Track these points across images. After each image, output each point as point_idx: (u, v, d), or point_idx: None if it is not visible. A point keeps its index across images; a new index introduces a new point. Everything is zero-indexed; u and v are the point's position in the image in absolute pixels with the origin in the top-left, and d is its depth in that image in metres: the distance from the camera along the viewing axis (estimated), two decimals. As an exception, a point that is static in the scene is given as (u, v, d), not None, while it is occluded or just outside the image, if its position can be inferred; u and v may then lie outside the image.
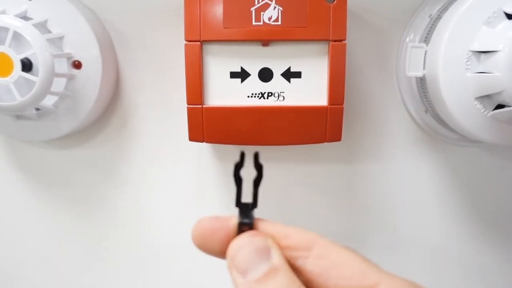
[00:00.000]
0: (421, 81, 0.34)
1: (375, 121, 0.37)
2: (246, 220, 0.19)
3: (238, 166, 0.19)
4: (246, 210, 0.19)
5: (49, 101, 0.33)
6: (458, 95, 0.30)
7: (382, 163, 0.37)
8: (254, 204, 0.19)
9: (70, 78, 0.33)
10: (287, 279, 0.18)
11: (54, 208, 0.39)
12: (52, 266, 0.40)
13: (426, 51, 0.32)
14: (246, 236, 0.19)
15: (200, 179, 0.38)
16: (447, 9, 0.33)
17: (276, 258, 0.18)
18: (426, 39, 0.34)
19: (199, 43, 0.29)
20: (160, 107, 0.36)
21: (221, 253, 0.19)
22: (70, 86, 0.33)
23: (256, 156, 0.19)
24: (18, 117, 0.34)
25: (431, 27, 0.34)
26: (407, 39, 0.36)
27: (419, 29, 0.35)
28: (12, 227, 0.40)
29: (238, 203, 0.20)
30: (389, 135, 0.37)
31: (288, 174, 0.37)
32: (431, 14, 0.34)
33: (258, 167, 0.19)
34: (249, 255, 0.18)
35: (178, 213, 0.39)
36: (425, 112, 0.36)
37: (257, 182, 0.19)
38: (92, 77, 0.33)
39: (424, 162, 0.38)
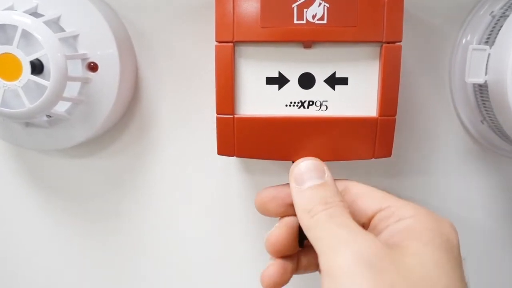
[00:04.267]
0: (481, 88, 0.30)
1: (424, 131, 0.33)
2: None
3: None
4: None
5: (61, 107, 0.30)
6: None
7: (432, 178, 0.33)
8: None
9: (85, 81, 0.30)
10: (333, 192, 0.23)
11: (66, 221, 0.36)
12: (63, 276, 0.38)
13: (489, 54, 0.28)
14: (308, 159, 0.25)
15: (226, 195, 0.34)
16: (515, 6, 0.29)
17: (328, 177, 0.24)
18: (488, 40, 0.30)
19: (231, 44, 0.26)
20: (184, 115, 0.33)
21: (279, 214, 0.27)
22: (85, 91, 0.30)
23: None
24: (27, 124, 0.31)
25: (493, 27, 0.30)
26: (463, 41, 0.31)
27: (478, 29, 0.31)
28: (22, 238, 0.37)
29: None
30: (440, 147, 0.33)
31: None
32: (492, 12, 0.30)
33: None
34: (309, 170, 0.24)
35: (198, 229, 0.35)
36: (481, 122, 0.32)
37: None
38: (109, 80, 0.30)
39: (477, 177, 0.34)
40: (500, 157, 0.33)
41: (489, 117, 0.30)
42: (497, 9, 0.30)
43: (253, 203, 0.34)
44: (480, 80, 0.28)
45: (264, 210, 0.27)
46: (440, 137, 0.33)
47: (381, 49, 0.26)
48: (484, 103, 0.30)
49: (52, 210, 0.36)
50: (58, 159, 0.35)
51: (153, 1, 0.31)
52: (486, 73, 0.28)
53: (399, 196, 0.34)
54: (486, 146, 0.33)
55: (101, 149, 0.34)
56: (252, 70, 0.26)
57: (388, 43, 0.25)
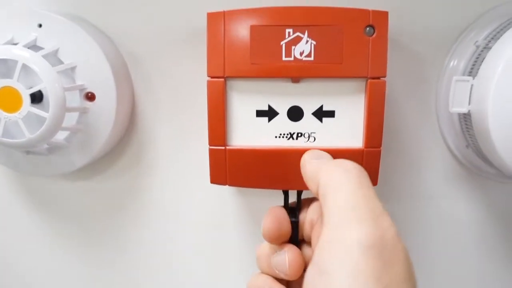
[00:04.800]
0: (465, 116, 0.31)
1: (412, 155, 0.34)
2: (293, 219, 0.27)
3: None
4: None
5: (60, 135, 0.31)
6: (509, 137, 0.27)
7: (420, 200, 0.35)
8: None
9: (83, 111, 0.31)
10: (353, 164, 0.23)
11: (65, 242, 0.37)
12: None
13: (472, 85, 0.29)
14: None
15: (221, 215, 0.35)
16: (496, 38, 0.29)
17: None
18: (472, 71, 0.31)
19: (222, 79, 0.27)
20: (180, 140, 0.34)
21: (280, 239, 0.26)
22: (83, 120, 0.31)
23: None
24: (28, 151, 0.32)
25: (477, 57, 0.31)
26: (449, 69, 0.32)
27: (463, 58, 0.32)
28: (22, 258, 0.38)
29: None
30: (427, 171, 0.34)
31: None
32: (476, 41, 0.31)
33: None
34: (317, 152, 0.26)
35: (194, 250, 0.36)
36: (466, 147, 0.33)
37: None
38: (106, 109, 0.31)
39: (464, 199, 0.35)
40: (485, 180, 0.34)
41: (473, 143, 0.31)
42: (481, 39, 0.31)
43: (246, 223, 0.35)
44: (464, 110, 0.29)
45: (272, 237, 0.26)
46: (427, 161, 0.34)
47: (366, 84, 0.27)
48: (468, 130, 0.31)
49: (51, 231, 0.37)
50: (57, 182, 0.36)
51: (149, 30, 0.32)
52: (469, 103, 0.29)
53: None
54: (472, 170, 0.34)
55: (98, 173, 0.35)
56: (243, 103, 0.27)
57: (373, 78, 0.26)
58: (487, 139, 0.28)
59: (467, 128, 0.31)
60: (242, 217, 0.35)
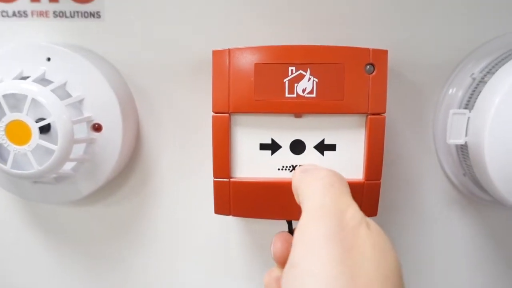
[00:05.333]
0: (462, 147, 0.32)
1: (411, 181, 0.35)
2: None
3: None
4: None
5: (67, 166, 0.31)
6: (504, 169, 0.28)
7: (419, 225, 0.35)
8: None
9: (90, 142, 0.31)
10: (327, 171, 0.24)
11: (71, 266, 0.38)
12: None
13: (469, 118, 0.30)
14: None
15: (224, 244, 0.36)
16: (492, 72, 0.30)
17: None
18: (469, 103, 0.32)
19: (227, 115, 0.27)
20: (183, 167, 0.35)
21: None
22: (90, 150, 0.32)
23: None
24: (36, 181, 0.33)
25: (473, 90, 0.31)
26: (446, 97, 0.33)
27: (460, 88, 0.33)
28: (31, 284, 0.39)
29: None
30: (426, 197, 0.35)
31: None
32: (473, 74, 0.32)
33: None
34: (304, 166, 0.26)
35: (197, 277, 0.37)
36: (463, 175, 0.34)
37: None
38: (112, 139, 0.32)
39: (461, 225, 0.36)
40: (481, 205, 0.35)
41: (470, 172, 0.32)
42: (477, 72, 0.32)
43: (250, 247, 0.36)
44: (461, 141, 0.30)
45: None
46: (426, 188, 0.35)
47: (366, 119, 0.28)
48: (465, 160, 0.32)
49: (57, 256, 0.38)
50: (62, 208, 0.36)
51: (154, 60, 0.33)
52: (466, 135, 0.30)
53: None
54: (468, 196, 0.35)
55: (103, 199, 0.36)
56: (247, 137, 0.28)
57: (373, 114, 0.27)
58: (483, 169, 0.29)
59: (464, 158, 0.32)
60: (246, 245, 0.36)
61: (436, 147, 0.34)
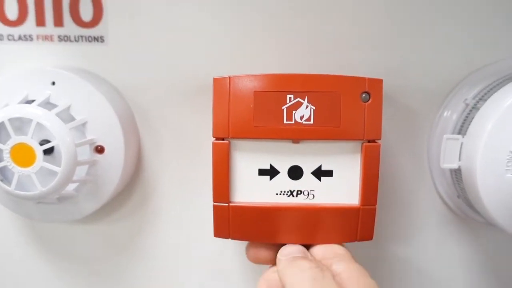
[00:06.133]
0: (455, 171, 0.33)
1: (406, 203, 0.35)
2: None
3: None
4: None
5: (70, 187, 0.32)
6: (496, 194, 0.29)
7: (414, 246, 0.36)
8: None
9: (93, 164, 0.32)
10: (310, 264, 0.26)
11: (73, 283, 0.38)
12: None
13: (462, 143, 0.31)
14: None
15: (224, 263, 0.37)
16: (484, 99, 0.31)
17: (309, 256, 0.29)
18: (462, 128, 0.32)
19: (227, 141, 0.28)
20: (184, 186, 0.35)
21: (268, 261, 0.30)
22: (92, 171, 0.32)
23: None
24: (39, 202, 0.33)
25: (467, 116, 0.32)
26: (440, 121, 0.34)
27: (455, 112, 0.33)
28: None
29: None
30: (421, 218, 0.36)
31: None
32: (466, 99, 0.33)
33: None
34: (297, 249, 0.29)
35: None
36: (458, 197, 0.35)
37: None
38: (114, 161, 0.33)
39: (456, 245, 0.36)
40: (476, 227, 0.36)
41: (463, 194, 0.33)
42: (470, 97, 0.33)
43: (251, 268, 0.37)
44: (454, 166, 0.31)
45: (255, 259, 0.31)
46: (421, 210, 0.36)
47: (362, 147, 0.28)
48: (458, 183, 0.33)
49: (59, 272, 0.38)
50: (65, 225, 0.37)
51: (156, 84, 0.34)
52: (459, 159, 0.31)
53: (382, 267, 0.37)
54: (463, 217, 0.36)
55: (105, 217, 0.37)
56: (246, 162, 0.29)
57: (369, 141, 0.28)
58: (476, 194, 0.29)
59: (457, 181, 0.33)
60: (246, 263, 0.37)
61: (430, 169, 0.35)
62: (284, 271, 0.27)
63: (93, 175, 0.33)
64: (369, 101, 0.28)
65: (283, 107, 0.28)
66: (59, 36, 0.33)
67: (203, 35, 0.33)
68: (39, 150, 0.30)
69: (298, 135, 0.28)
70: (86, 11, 0.33)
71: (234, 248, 0.36)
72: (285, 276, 0.26)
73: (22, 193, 0.30)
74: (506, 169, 0.28)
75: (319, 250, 0.29)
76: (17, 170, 0.30)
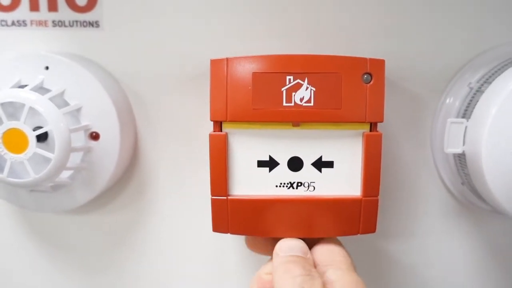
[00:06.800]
0: (459, 156, 0.32)
1: (409, 192, 0.35)
2: None
3: None
4: None
5: (64, 174, 0.31)
6: (502, 178, 0.28)
7: (419, 236, 0.35)
8: None
9: (87, 150, 0.31)
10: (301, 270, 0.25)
11: (67, 273, 0.37)
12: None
13: (466, 127, 0.30)
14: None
15: (221, 255, 0.36)
16: (489, 82, 0.30)
17: (310, 256, 0.28)
18: (466, 112, 0.32)
19: (225, 133, 0.27)
20: (181, 177, 0.35)
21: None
22: (87, 158, 0.32)
23: None
24: (32, 190, 0.33)
25: (471, 100, 0.32)
26: (444, 106, 0.33)
27: (458, 97, 0.32)
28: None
29: None
30: (425, 207, 0.35)
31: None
32: (470, 83, 0.32)
33: None
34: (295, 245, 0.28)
35: (194, 285, 0.37)
36: (462, 184, 0.34)
37: None
38: (110, 148, 0.32)
39: (460, 232, 0.35)
40: (480, 215, 0.35)
41: (468, 181, 0.32)
42: (474, 81, 0.32)
43: (248, 262, 0.36)
44: (458, 150, 0.30)
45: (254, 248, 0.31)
46: (424, 197, 0.35)
47: (363, 136, 0.28)
48: (463, 169, 0.32)
49: (53, 264, 0.37)
50: (58, 216, 0.36)
51: (153, 70, 0.33)
52: (463, 144, 0.30)
53: (385, 258, 0.36)
54: (467, 205, 0.35)
55: (100, 207, 0.36)
56: (245, 154, 0.28)
57: (370, 128, 0.28)
58: (481, 179, 0.29)
59: (462, 167, 0.32)
60: (243, 252, 0.36)
61: (434, 156, 0.34)
62: (276, 270, 0.26)
63: (88, 163, 0.32)
64: (371, 82, 0.27)
65: (282, 89, 0.27)
66: (53, 21, 0.33)
67: (200, 18, 0.32)
68: (32, 135, 0.29)
69: (298, 117, 0.27)
70: (81, -4, 0.32)
71: (232, 239, 0.36)
72: (276, 277, 0.25)
73: (14, 180, 0.29)
74: (512, 152, 0.27)
75: (318, 252, 0.28)
76: (9, 157, 0.29)
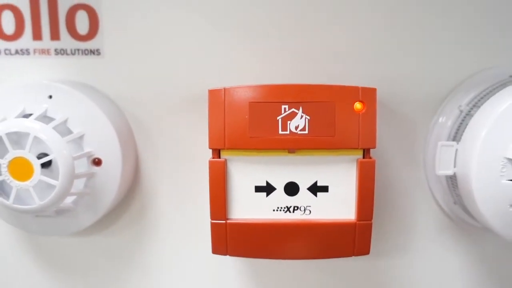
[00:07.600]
0: (451, 177, 0.33)
1: (403, 210, 0.36)
2: None
3: None
4: None
5: (68, 199, 0.32)
6: (492, 200, 0.29)
7: (412, 253, 0.36)
8: None
9: (90, 176, 0.32)
10: None
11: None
12: None
13: (457, 150, 0.31)
14: None
15: (222, 273, 0.37)
16: (478, 106, 0.31)
17: None
18: (457, 134, 0.33)
19: (223, 160, 0.29)
20: (181, 199, 0.36)
21: None
22: (90, 184, 0.33)
23: None
24: (37, 215, 0.34)
25: (461, 123, 0.32)
26: (436, 128, 0.34)
27: (450, 118, 0.33)
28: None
29: None
30: (418, 225, 0.36)
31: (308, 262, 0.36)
32: (460, 106, 0.33)
33: None
34: None
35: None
36: (454, 203, 0.35)
37: None
38: (112, 172, 0.33)
39: (453, 250, 0.36)
40: (472, 232, 0.36)
41: (459, 201, 0.33)
42: (464, 104, 0.33)
43: (249, 279, 0.37)
44: (449, 172, 0.31)
45: None
46: (417, 216, 0.36)
47: (357, 163, 0.29)
48: (454, 189, 0.33)
49: (57, 286, 0.38)
50: (63, 238, 0.37)
51: (153, 96, 0.34)
52: (454, 166, 0.31)
53: (379, 276, 0.36)
54: (459, 223, 0.36)
55: (102, 229, 0.37)
56: (243, 180, 0.29)
57: (363, 156, 0.28)
58: (471, 199, 0.30)
59: (453, 187, 0.33)
60: (245, 273, 0.37)
61: (427, 176, 0.35)
62: None
63: (91, 188, 0.33)
64: (363, 110, 0.28)
65: (278, 118, 0.28)
66: (55, 50, 0.34)
67: (198, 48, 0.33)
68: (36, 163, 0.30)
69: (293, 145, 0.28)
70: (82, 24, 0.33)
71: (233, 260, 0.37)
72: None
73: (20, 207, 0.30)
74: (501, 175, 0.28)
75: None
76: (15, 184, 0.30)
